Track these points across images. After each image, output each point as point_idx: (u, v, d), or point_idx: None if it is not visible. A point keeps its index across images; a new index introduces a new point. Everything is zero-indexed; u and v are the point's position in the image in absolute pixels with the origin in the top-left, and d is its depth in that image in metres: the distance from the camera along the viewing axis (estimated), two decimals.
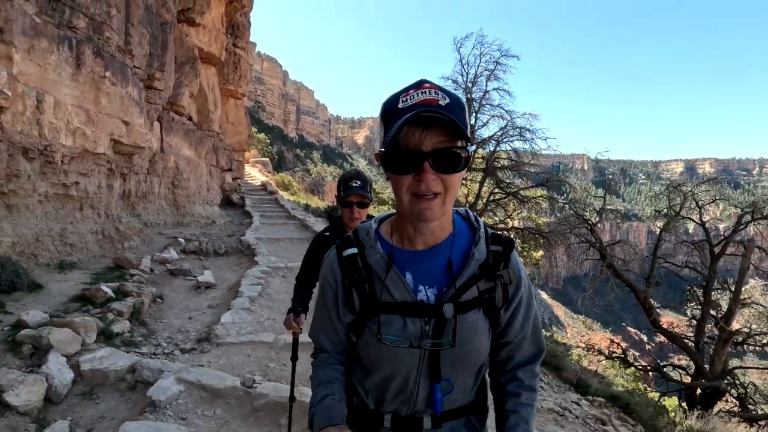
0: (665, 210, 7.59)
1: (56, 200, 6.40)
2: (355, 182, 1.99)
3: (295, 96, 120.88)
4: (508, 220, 11.93)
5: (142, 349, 3.73)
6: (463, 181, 13.14)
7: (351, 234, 0.93)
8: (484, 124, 11.10)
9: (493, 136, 10.91)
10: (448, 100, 0.76)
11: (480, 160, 11.28)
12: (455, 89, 11.21)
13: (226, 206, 17.02)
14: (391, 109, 0.78)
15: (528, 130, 10.59)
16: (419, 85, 0.79)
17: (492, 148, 11.18)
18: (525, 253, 11.36)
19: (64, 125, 6.15)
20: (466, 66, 11.01)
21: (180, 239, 9.28)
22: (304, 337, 2.03)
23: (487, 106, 10.78)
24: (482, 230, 0.90)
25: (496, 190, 11.50)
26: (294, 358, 2.38)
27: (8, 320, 3.52)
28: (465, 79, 10.93)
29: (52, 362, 2.94)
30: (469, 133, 0.77)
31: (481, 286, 0.85)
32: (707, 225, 7.55)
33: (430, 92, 0.76)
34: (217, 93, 16.34)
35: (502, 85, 10.74)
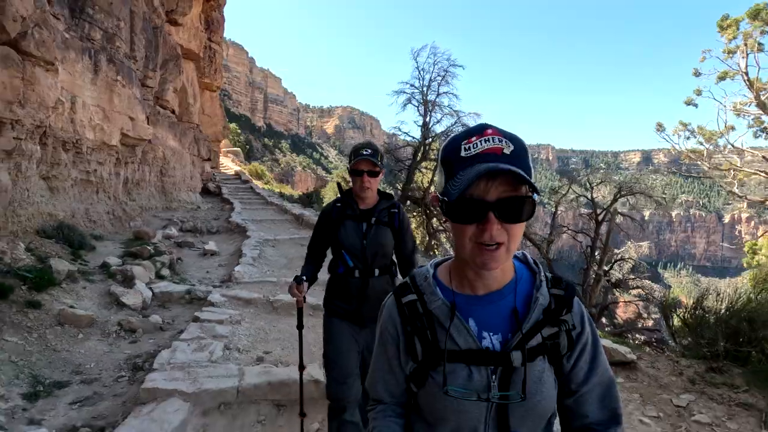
0: (557, 187, 10.04)
1: (80, 185, 7.68)
2: (366, 150, 1.95)
3: (262, 84, 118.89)
4: None
5: (185, 286, 5.33)
6: (421, 170, 15.23)
7: (408, 280, 0.91)
8: (438, 121, 13.26)
9: (445, 131, 13.00)
10: (512, 147, 0.73)
11: (434, 151, 13.27)
12: (412, 93, 13.18)
13: (204, 194, 18.06)
14: (453, 155, 0.76)
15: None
16: (482, 131, 0.75)
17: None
18: None
19: (88, 122, 7.43)
20: (422, 72, 13.01)
21: (175, 220, 10.62)
22: (309, 304, 2.62)
23: (439, 106, 12.83)
24: (542, 274, 0.87)
25: None
26: (300, 326, 2.30)
27: (92, 264, 5.03)
28: (421, 83, 12.95)
29: (138, 285, 4.52)
30: (533, 180, 0.73)
31: (545, 332, 0.82)
32: (596, 200, 10.11)
33: (494, 139, 0.73)
34: (196, 86, 17.32)
35: (451, 89, 12.86)
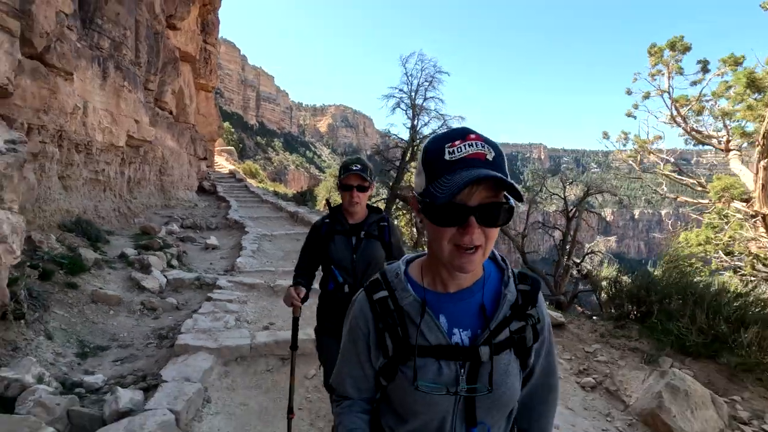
0: (530, 185, 10.98)
1: (90, 184, 8.24)
2: (355, 166, 1.99)
3: (254, 82, 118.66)
4: None
5: (194, 273, 5.95)
6: (410, 170, 15.98)
7: (379, 276, 0.92)
8: (426, 124, 14.05)
9: (431, 133, 13.78)
10: (494, 153, 0.75)
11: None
12: (401, 98, 13.93)
13: (199, 193, 18.53)
14: (436, 158, 0.76)
15: None
16: (465, 135, 0.77)
17: None
18: None
19: (98, 125, 8.00)
20: (410, 78, 13.80)
21: (176, 217, 11.18)
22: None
23: (426, 110, 13.65)
24: (510, 270, 0.90)
25: None
26: (294, 347, 2.25)
27: (110, 254, 5.64)
28: (410, 88, 13.74)
29: (154, 272, 5.15)
30: (513, 181, 0.75)
31: (512, 326, 0.85)
32: (568, 198, 11.07)
33: (477, 145, 0.75)
34: (192, 88, 17.82)
35: (437, 94, 13.74)
